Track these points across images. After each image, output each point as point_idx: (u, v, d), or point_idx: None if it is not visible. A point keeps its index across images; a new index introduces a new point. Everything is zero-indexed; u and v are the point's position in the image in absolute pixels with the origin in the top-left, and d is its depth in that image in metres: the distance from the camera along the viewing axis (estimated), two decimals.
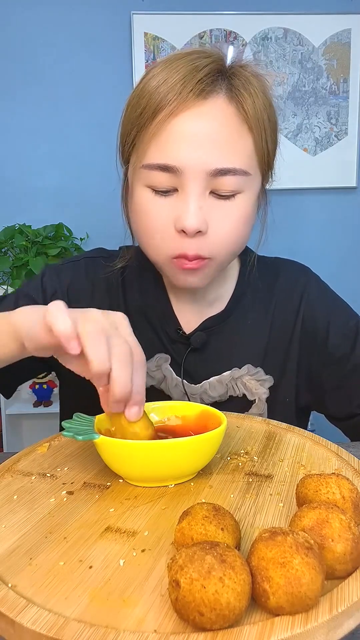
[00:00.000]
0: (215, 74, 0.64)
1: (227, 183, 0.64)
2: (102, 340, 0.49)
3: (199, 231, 0.64)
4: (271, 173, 0.74)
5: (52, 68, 2.13)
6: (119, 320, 0.54)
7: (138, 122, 0.65)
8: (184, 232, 0.64)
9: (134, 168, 0.68)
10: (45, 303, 0.77)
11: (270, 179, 0.74)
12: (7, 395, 0.86)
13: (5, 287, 1.95)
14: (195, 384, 0.79)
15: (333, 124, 2.23)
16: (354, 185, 2.27)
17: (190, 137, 0.63)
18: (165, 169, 0.64)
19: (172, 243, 0.66)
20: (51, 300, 0.77)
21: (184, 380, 0.79)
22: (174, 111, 0.63)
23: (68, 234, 2.11)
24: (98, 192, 2.02)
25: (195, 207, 0.64)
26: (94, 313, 0.52)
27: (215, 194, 0.65)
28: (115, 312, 0.54)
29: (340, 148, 2.24)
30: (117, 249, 0.85)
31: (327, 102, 2.22)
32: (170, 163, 0.63)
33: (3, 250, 2.02)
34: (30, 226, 2.07)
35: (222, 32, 2.15)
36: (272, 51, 2.18)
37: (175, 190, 0.65)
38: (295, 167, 2.24)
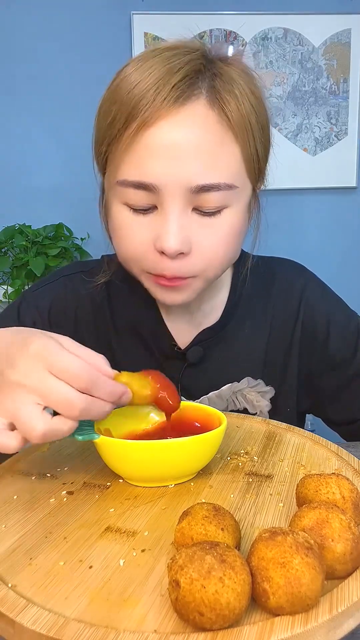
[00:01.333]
0: (193, 75, 0.56)
1: (211, 199, 0.58)
2: (30, 413, 0.44)
3: (181, 252, 0.59)
4: (263, 178, 0.67)
5: (52, 68, 2.13)
6: (44, 348, 0.45)
7: (109, 132, 0.58)
8: (163, 253, 0.59)
9: (109, 183, 0.62)
10: None
11: (263, 183, 0.68)
12: None
13: (5, 287, 1.95)
14: (194, 401, 0.76)
15: (333, 124, 2.23)
16: (354, 185, 2.27)
17: (167, 150, 0.56)
18: (141, 186, 0.57)
19: (152, 263, 0.61)
20: None
21: (183, 398, 0.76)
22: (148, 121, 0.55)
23: (68, 234, 2.11)
24: (98, 192, 2.02)
25: (175, 227, 0.58)
26: (9, 369, 0.45)
27: (199, 210, 0.59)
28: (39, 336, 0.46)
29: (340, 148, 2.24)
30: (100, 257, 0.80)
31: (327, 102, 2.22)
32: (146, 180, 0.57)
33: (3, 250, 2.02)
34: (30, 226, 2.07)
35: (222, 32, 2.15)
36: (272, 51, 2.18)
37: (155, 207, 0.59)
38: (295, 167, 2.24)
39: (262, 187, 0.69)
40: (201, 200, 0.58)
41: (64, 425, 0.45)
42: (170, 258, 0.59)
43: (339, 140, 2.24)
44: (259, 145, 0.62)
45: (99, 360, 0.48)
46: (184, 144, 0.56)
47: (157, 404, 0.54)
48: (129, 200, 0.59)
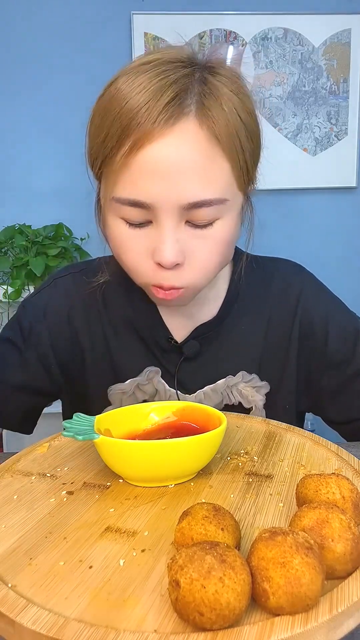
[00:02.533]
0: (183, 94, 0.58)
1: (203, 214, 0.60)
2: None
3: (177, 264, 0.61)
4: (254, 180, 0.68)
5: (52, 68, 2.13)
6: None
7: (103, 150, 0.60)
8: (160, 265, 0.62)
9: (104, 195, 0.64)
10: (24, 340, 0.78)
11: (254, 185, 0.69)
12: (29, 432, 0.85)
13: (5, 287, 1.95)
14: (190, 394, 0.77)
15: (333, 124, 2.23)
16: (354, 185, 2.27)
17: (160, 169, 0.58)
18: (136, 204, 0.60)
19: (150, 273, 0.63)
20: (31, 333, 0.78)
21: (178, 392, 0.77)
22: (139, 142, 0.57)
23: (68, 234, 2.11)
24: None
25: (171, 240, 0.60)
26: None
27: (192, 223, 0.61)
28: None
29: (340, 148, 2.24)
30: (94, 259, 0.82)
31: (327, 102, 2.22)
32: (141, 199, 0.59)
33: (3, 250, 2.02)
34: (30, 226, 2.07)
35: (222, 32, 2.15)
36: (272, 51, 2.18)
37: (150, 222, 0.61)
38: (295, 167, 2.24)
39: (255, 188, 0.70)
40: (193, 215, 0.60)
41: None
42: (167, 269, 0.62)
43: (339, 140, 2.24)
44: (249, 157, 0.63)
45: None
46: (176, 163, 0.58)
47: None
48: (125, 216, 0.62)
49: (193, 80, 0.59)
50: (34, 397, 0.80)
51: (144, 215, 0.61)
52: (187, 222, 0.61)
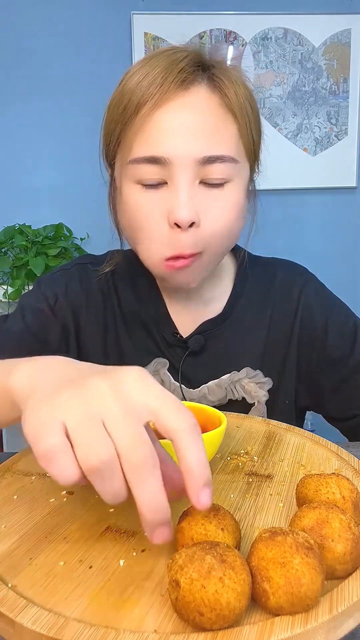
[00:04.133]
0: (195, 65, 0.64)
1: (216, 171, 0.63)
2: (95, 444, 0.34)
3: (193, 223, 0.63)
4: (257, 165, 0.73)
5: (52, 68, 2.13)
6: (127, 380, 0.37)
7: (122, 119, 0.64)
8: (177, 226, 0.63)
9: (120, 166, 0.67)
10: (51, 310, 0.78)
11: (257, 171, 0.74)
12: None
13: (5, 287, 1.95)
14: (194, 389, 0.78)
15: (333, 124, 2.23)
16: (354, 185, 2.27)
17: (175, 127, 0.62)
18: (152, 161, 0.63)
19: (167, 241, 0.65)
20: (57, 306, 0.78)
21: (182, 385, 0.78)
22: (157, 103, 0.62)
23: (68, 234, 2.11)
24: (98, 192, 2.01)
25: (185, 197, 0.62)
26: (90, 385, 0.36)
27: (205, 183, 0.64)
28: (122, 368, 0.38)
29: (340, 148, 2.24)
30: (105, 253, 0.84)
31: (327, 102, 2.22)
32: (158, 154, 0.62)
33: (3, 250, 2.02)
34: (30, 226, 2.07)
35: (222, 32, 2.15)
36: (272, 51, 2.18)
37: (165, 183, 0.64)
38: (295, 167, 2.24)
39: (258, 174, 0.74)
40: (207, 172, 0.63)
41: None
42: (183, 230, 0.63)
43: (339, 140, 2.24)
44: (254, 130, 0.68)
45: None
46: (190, 122, 0.63)
47: None
48: (141, 176, 0.64)
49: (203, 59, 0.66)
50: None
51: (160, 173, 0.63)
52: (201, 182, 0.64)
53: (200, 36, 2.14)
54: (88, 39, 2.12)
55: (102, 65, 2.10)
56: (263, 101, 2.19)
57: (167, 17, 2.11)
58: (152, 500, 0.35)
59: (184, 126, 0.62)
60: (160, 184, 0.64)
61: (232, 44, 2.16)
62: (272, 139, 2.20)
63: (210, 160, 0.63)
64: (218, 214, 0.65)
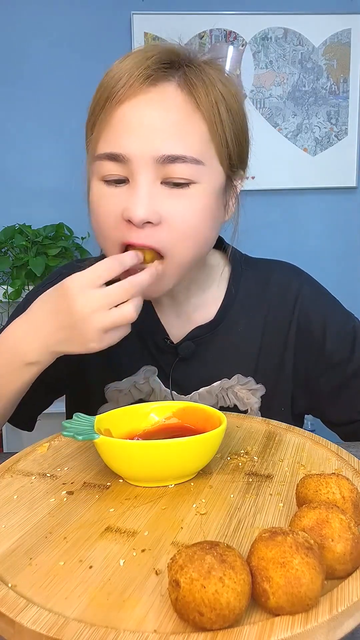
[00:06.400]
0: (164, 62, 0.62)
1: (177, 171, 0.61)
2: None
3: (148, 222, 0.61)
4: (243, 170, 0.70)
5: (52, 68, 2.13)
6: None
7: (92, 114, 0.64)
8: (131, 222, 0.61)
9: (89, 162, 0.67)
10: None
11: (242, 177, 0.71)
12: (30, 429, 0.85)
13: (5, 287, 1.95)
14: (185, 395, 0.77)
15: (333, 124, 2.23)
16: (354, 185, 2.27)
17: (137, 124, 0.61)
18: (113, 157, 0.62)
19: (120, 232, 0.63)
20: None
21: (173, 392, 0.77)
22: (121, 98, 0.61)
23: (69, 234, 2.11)
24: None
25: (143, 195, 0.60)
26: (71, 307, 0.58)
27: (168, 183, 0.62)
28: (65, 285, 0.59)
29: (340, 148, 2.24)
30: (100, 255, 0.82)
31: (327, 102, 2.22)
32: (117, 151, 0.61)
33: (3, 250, 2.02)
34: (30, 226, 2.07)
35: (222, 32, 2.15)
36: (272, 51, 2.18)
37: (127, 180, 0.62)
38: (295, 167, 2.24)
39: (244, 180, 0.71)
40: (169, 172, 0.61)
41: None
42: (137, 227, 0.61)
43: (339, 140, 2.24)
44: (229, 133, 0.65)
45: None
46: (153, 119, 0.61)
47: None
48: (103, 173, 0.63)
49: (179, 57, 0.64)
50: (43, 391, 0.79)
51: (121, 171, 0.62)
52: (163, 182, 0.62)
53: (200, 36, 2.14)
54: (88, 38, 2.12)
55: (102, 65, 2.08)
56: (263, 101, 2.19)
57: (167, 17, 2.11)
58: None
59: (146, 123, 0.61)
60: (122, 181, 0.63)
61: (232, 44, 2.16)
62: (272, 139, 2.20)
63: (170, 159, 0.60)
64: (181, 214, 0.62)
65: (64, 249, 2.03)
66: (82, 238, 2.13)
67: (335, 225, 2.32)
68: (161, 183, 0.62)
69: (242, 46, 2.16)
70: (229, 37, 2.16)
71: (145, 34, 2.11)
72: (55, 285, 0.60)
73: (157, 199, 0.61)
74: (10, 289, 1.93)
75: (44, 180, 2.19)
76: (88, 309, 0.57)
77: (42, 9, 2.10)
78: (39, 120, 2.15)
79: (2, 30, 2.11)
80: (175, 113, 0.61)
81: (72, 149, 2.20)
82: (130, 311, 0.58)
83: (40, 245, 2.01)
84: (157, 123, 0.61)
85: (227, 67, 2.15)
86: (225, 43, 2.16)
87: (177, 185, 0.62)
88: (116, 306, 0.58)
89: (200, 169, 0.62)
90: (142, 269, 0.61)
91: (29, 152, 2.18)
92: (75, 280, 0.58)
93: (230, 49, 2.16)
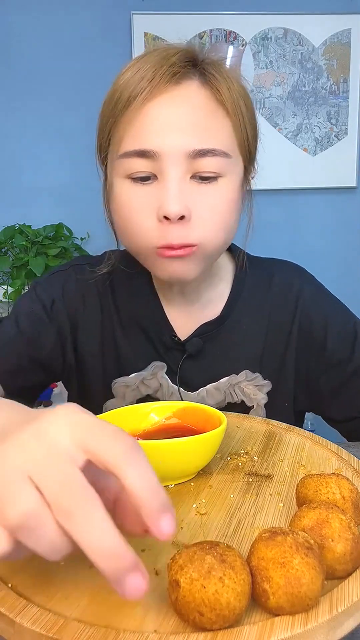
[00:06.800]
0: (186, 61, 0.63)
1: (207, 165, 0.62)
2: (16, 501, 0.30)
3: (182, 216, 0.62)
4: (254, 165, 0.72)
5: (52, 68, 2.13)
6: (53, 423, 0.33)
7: (113, 113, 0.64)
8: (166, 219, 0.62)
9: (112, 161, 0.66)
10: (47, 314, 0.77)
11: (253, 170, 0.73)
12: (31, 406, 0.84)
13: (5, 287, 1.95)
14: (192, 392, 0.77)
15: (333, 124, 2.23)
16: (354, 185, 2.27)
17: (165, 121, 0.62)
18: (142, 154, 0.62)
19: (156, 232, 0.63)
20: (53, 310, 0.78)
21: (181, 388, 0.77)
22: (148, 97, 0.61)
23: (68, 234, 2.11)
24: (98, 191, 2.02)
25: (175, 191, 0.61)
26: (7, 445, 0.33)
27: (197, 177, 0.63)
28: (51, 411, 0.34)
29: (340, 148, 2.24)
30: (103, 254, 0.83)
31: (327, 102, 2.22)
32: (147, 148, 0.61)
33: (3, 250, 2.02)
34: (30, 226, 2.07)
35: (222, 32, 2.15)
36: (272, 51, 2.18)
37: (155, 177, 0.63)
38: (295, 167, 2.24)
39: (255, 173, 0.73)
40: (198, 166, 0.62)
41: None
42: (173, 223, 0.62)
43: (339, 140, 2.24)
44: (249, 128, 0.67)
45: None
46: (180, 116, 0.62)
47: None
48: (130, 170, 0.63)
49: (195, 57, 0.65)
50: (40, 372, 0.79)
51: (150, 167, 0.62)
52: (192, 177, 0.63)
53: (200, 36, 2.14)
54: (88, 38, 2.12)
55: (102, 65, 2.10)
56: (263, 101, 2.19)
57: (167, 17, 2.11)
58: (100, 544, 0.30)
59: (174, 120, 0.62)
60: (150, 178, 0.63)
61: (232, 44, 2.16)
62: (272, 139, 2.20)
63: (200, 153, 0.62)
64: (211, 207, 0.64)
65: (63, 249, 2.03)
66: (82, 239, 2.13)
67: (335, 225, 2.32)
68: (190, 178, 0.63)
69: (242, 46, 2.16)
70: (229, 37, 2.16)
71: (145, 34, 2.11)
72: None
73: (187, 194, 0.62)
74: (10, 289, 1.93)
75: (44, 180, 2.19)
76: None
77: (42, 9, 2.10)
78: (39, 120, 2.15)
79: (1, 30, 2.11)
80: (202, 110, 0.63)
81: (72, 149, 2.22)
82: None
83: (40, 245, 2.01)
84: (185, 119, 0.62)
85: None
86: (225, 43, 2.16)
87: (206, 179, 0.63)
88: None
89: (228, 162, 0.64)
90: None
91: (29, 152, 2.18)
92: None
93: (230, 49, 2.16)
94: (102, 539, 0.30)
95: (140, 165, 0.62)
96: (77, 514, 0.30)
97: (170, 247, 0.63)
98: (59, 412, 0.33)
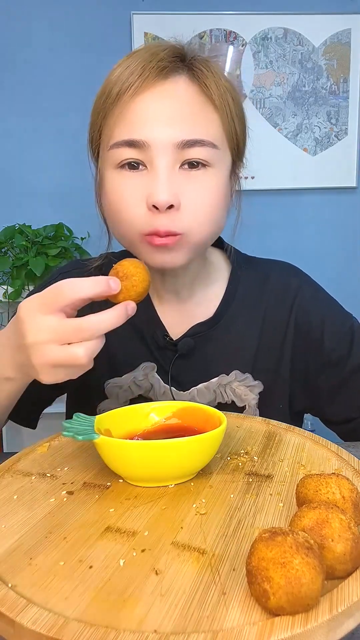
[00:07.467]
0: (175, 56, 0.65)
1: (196, 153, 0.64)
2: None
3: (171, 205, 0.63)
4: (242, 160, 0.73)
5: (53, 68, 2.13)
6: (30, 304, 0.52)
7: (103, 107, 0.66)
8: (155, 207, 0.62)
9: (103, 154, 0.68)
10: None
11: (241, 166, 0.74)
12: (33, 427, 0.85)
13: (5, 287, 1.95)
14: (183, 391, 0.77)
15: (333, 124, 2.23)
16: (354, 185, 2.27)
17: (154, 113, 0.63)
18: (131, 144, 0.63)
19: (144, 219, 0.64)
20: None
21: (172, 388, 0.77)
22: (137, 91, 0.63)
23: (68, 234, 2.11)
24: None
25: (164, 180, 0.63)
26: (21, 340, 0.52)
27: (185, 167, 0.64)
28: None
29: (340, 148, 2.24)
30: (99, 255, 0.83)
31: (327, 102, 2.22)
32: (136, 138, 0.63)
33: (3, 250, 2.02)
34: (30, 226, 2.07)
35: (222, 32, 2.15)
36: (272, 51, 2.18)
37: (145, 166, 0.64)
38: (295, 167, 2.24)
39: (243, 168, 0.74)
40: (187, 155, 0.64)
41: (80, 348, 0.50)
42: (161, 212, 0.63)
43: (339, 140, 2.24)
44: (237, 122, 0.69)
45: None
46: (169, 109, 0.64)
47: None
48: (120, 159, 0.65)
49: (184, 54, 0.67)
50: (50, 388, 0.78)
51: (140, 156, 0.64)
52: (181, 166, 0.64)
53: (200, 36, 2.14)
54: (88, 39, 2.12)
55: (102, 66, 2.08)
56: (263, 101, 2.19)
57: (167, 17, 2.11)
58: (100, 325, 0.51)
59: (163, 113, 0.63)
60: (139, 167, 0.64)
61: (232, 44, 2.16)
62: (272, 139, 2.20)
63: (189, 144, 0.63)
64: (199, 196, 0.65)
65: (63, 249, 2.03)
66: (82, 238, 2.13)
67: (335, 225, 2.32)
68: (179, 168, 0.64)
69: (242, 46, 2.16)
70: (229, 37, 2.16)
71: (145, 34, 2.11)
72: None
73: (177, 183, 0.64)
74: (10, 289, 1.93)
75: (44, 180, 2.19)
76: (38, 339, 0.50)
77: (42, 9, 2.10)
78: (39, 120, 2.16)
79: (1, 30, 2.11)
80: (190, 104, 0.64)
81: (72, 148, 2.21)
82: (78, 354, 0.50)
83: (40, 246, 2.01)
84: (174, 112, 0.63)
85: (227, 67, 2.16)
86: (225, 43, 2.16)
87: (194, 167, 0.65)
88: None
89: (216, 153, 0.66)
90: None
91: (29, 152, 2.18)
92: (27, 303, 0.52)
93: (230, 49, 2.16)
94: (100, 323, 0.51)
95: (130, 154, 0.64)
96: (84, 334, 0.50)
97: (157, 234, 0.64)
98: (22, 312, 0.52)
